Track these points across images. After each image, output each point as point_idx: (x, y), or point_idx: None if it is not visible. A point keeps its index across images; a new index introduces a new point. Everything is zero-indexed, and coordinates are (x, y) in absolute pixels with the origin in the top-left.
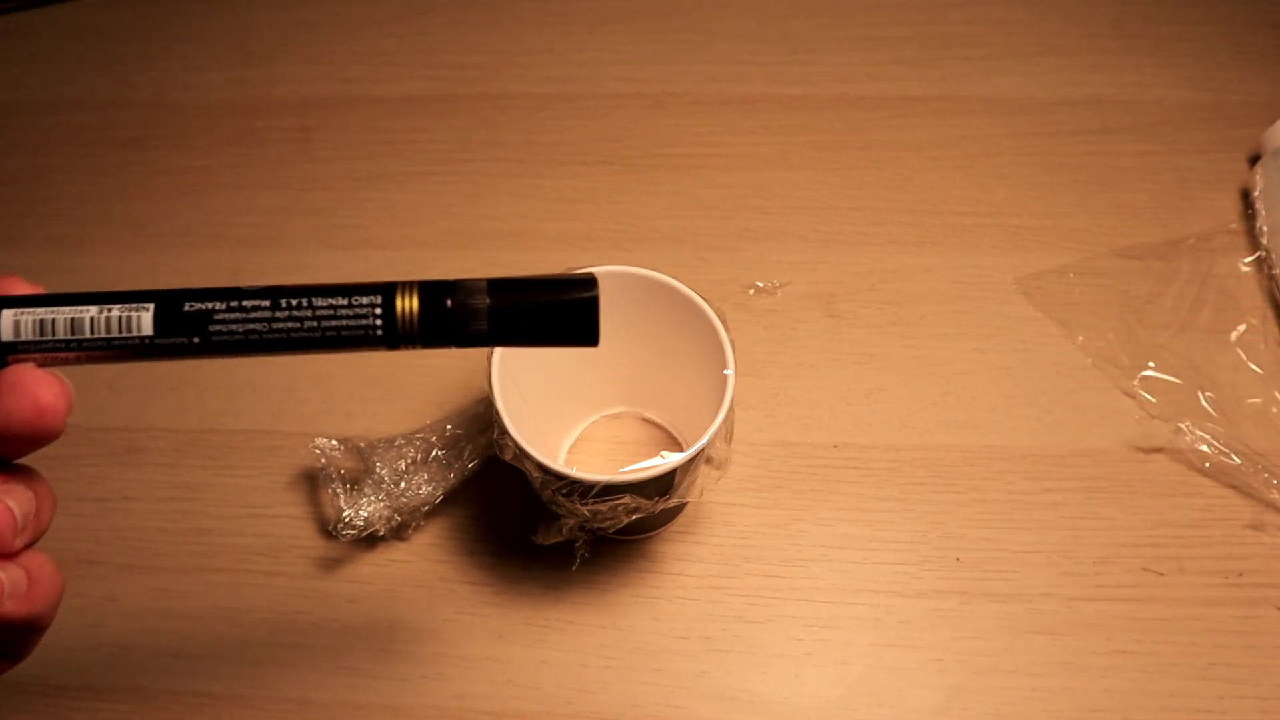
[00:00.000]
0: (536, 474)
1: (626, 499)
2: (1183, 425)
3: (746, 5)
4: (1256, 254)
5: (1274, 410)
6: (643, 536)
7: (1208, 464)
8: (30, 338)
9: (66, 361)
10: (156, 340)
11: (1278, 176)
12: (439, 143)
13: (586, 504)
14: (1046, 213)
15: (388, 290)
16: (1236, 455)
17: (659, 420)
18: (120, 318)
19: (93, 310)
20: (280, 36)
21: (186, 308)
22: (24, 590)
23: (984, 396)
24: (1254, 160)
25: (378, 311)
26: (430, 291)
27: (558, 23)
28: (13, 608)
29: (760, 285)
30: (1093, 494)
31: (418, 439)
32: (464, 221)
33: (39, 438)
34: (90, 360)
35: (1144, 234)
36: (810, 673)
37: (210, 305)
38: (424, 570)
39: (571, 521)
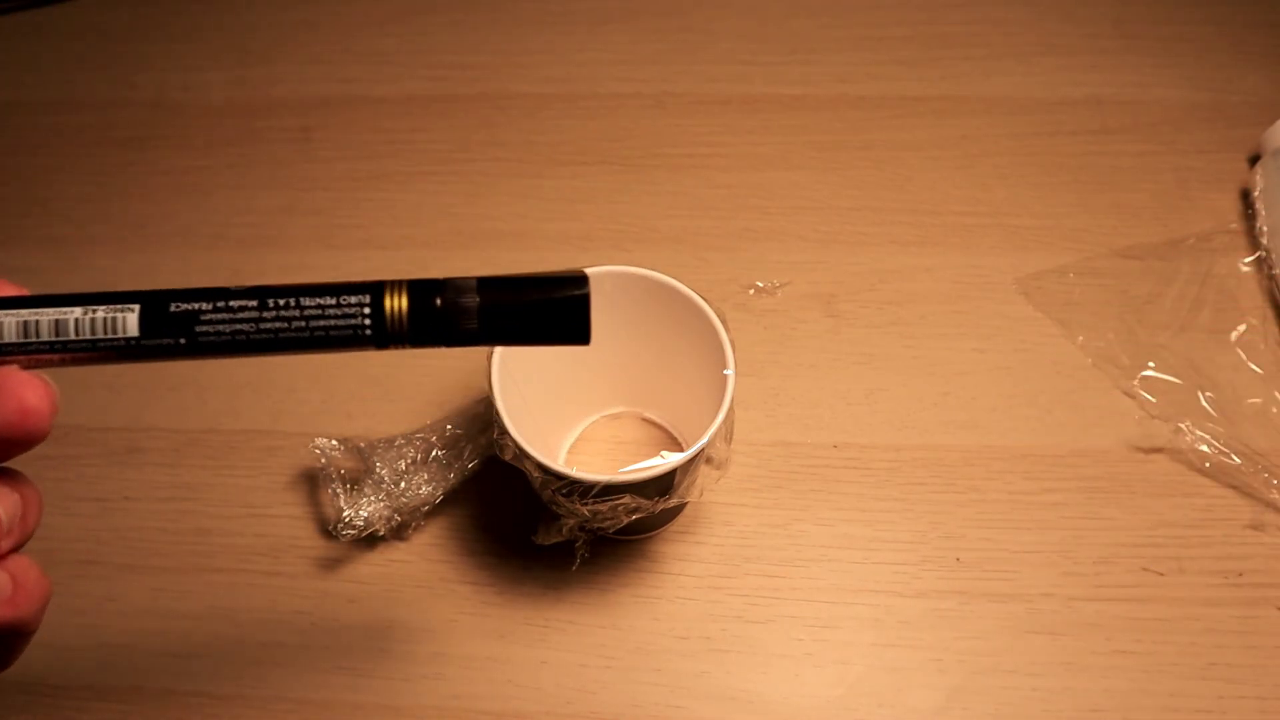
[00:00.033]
0: (536, 474)
1: (626, 499)
2: (1183, 425)
3: (746, 5)
4: (1256, 254)
5: (1274, 410)
6: (643, 536)
7: (1208, 464)
8: (14, 339)
9: (51, 363)
10: (143, 342)
11: (1278, 176)
12: (439, 143)
13: (586, 504)
14: (1046, 213)
15: (376, 289)
16: (1236, 455)
17: (659, 420)
18: (105, 319)
19: (77, 312)
20: (280, 36)
21: (172, 308)
22: (8, 595)
23: (984, 396)
24: (1254, 160)
25: (366, 311)
26: (420, 290)
27: (558, 23)
28: None
29: (760, 285)
30: (1093, 494)
31: (418, 439)
32: (464, 221)
33: (24, 440)
34: (76, 362)
35: (1144, 234)
36: (810, 673)
37: (196, 306)
38: (424, 570)
39: (571, 521)
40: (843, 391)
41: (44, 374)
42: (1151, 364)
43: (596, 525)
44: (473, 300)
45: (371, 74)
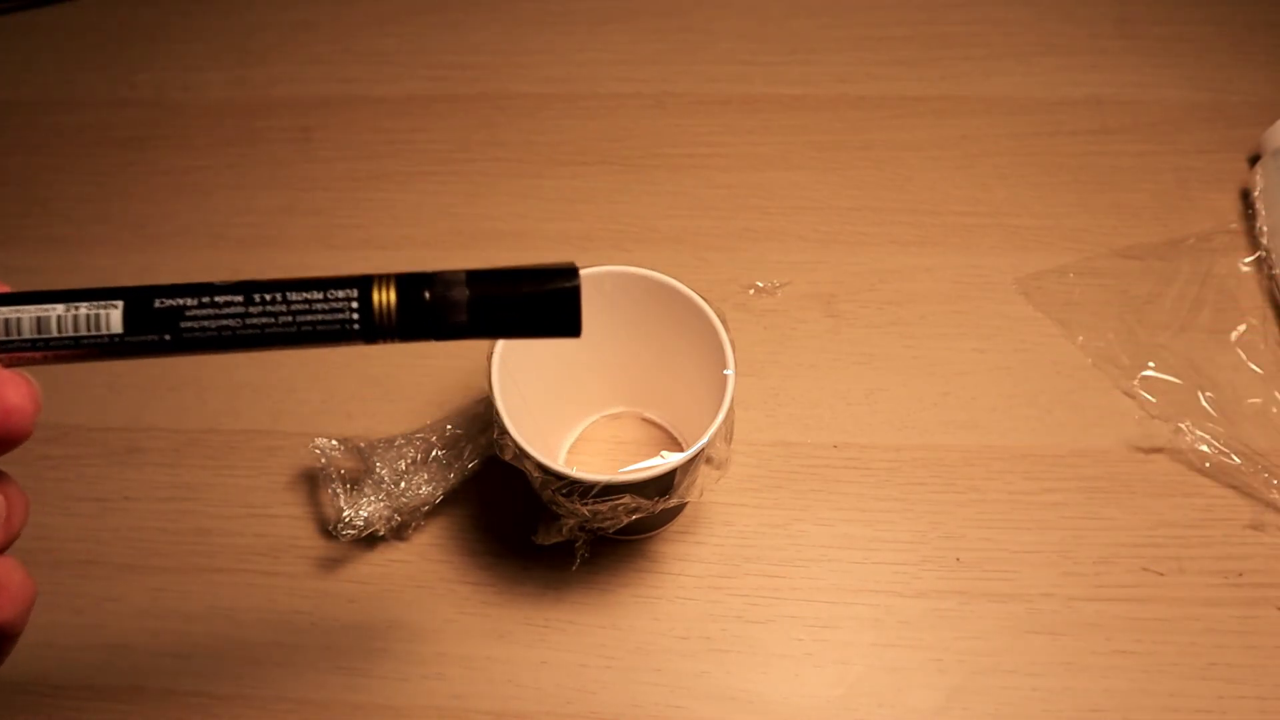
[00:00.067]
0: (536, 474)
1: (626, 499)
2: (1183, 425)
3: (746, 5)
4: (1256, 254)
5: (1274, 410)
6: (643, 536)
7: (1208, 464)
8: None
9: (34, 361)
10: (127, 338)
11: (1278, 176)
12: (439, 143)
13: (586, 504)
14: (1046, 213)
15: (364, 284)
16: (1236, 455)
17: (659, 420)
18: (88, 316)
19: (59, 309)
20: (280, 36)
21: (157, 304)
22: None
23: (984, 396)
24: (1254, 160)
25: (354, 305)
26: (408, 284)
27: (558, 23)
28: None
29: (760, 285)
30: (1093, 494)
31: (418, 439)
32: (464, 221)
33: (6, 440)
34: (59, 360)
35: (1144, 234)
36: (810, 673)
37: (181, 301)
38: (424, 570)
39: (571, 521)
40: (843, 391)
41: (27, 372)
42: (1151, 364)
43: (596, 525)
44: (462, 294)
45: (371, 74)
